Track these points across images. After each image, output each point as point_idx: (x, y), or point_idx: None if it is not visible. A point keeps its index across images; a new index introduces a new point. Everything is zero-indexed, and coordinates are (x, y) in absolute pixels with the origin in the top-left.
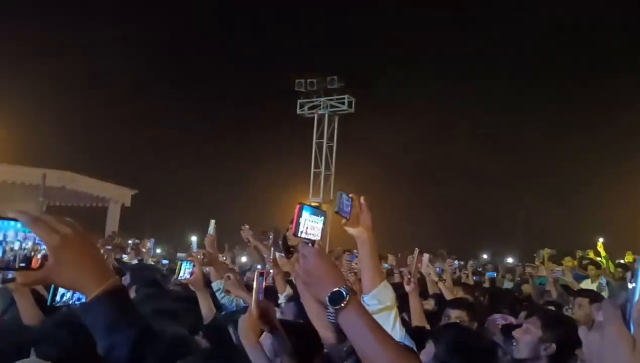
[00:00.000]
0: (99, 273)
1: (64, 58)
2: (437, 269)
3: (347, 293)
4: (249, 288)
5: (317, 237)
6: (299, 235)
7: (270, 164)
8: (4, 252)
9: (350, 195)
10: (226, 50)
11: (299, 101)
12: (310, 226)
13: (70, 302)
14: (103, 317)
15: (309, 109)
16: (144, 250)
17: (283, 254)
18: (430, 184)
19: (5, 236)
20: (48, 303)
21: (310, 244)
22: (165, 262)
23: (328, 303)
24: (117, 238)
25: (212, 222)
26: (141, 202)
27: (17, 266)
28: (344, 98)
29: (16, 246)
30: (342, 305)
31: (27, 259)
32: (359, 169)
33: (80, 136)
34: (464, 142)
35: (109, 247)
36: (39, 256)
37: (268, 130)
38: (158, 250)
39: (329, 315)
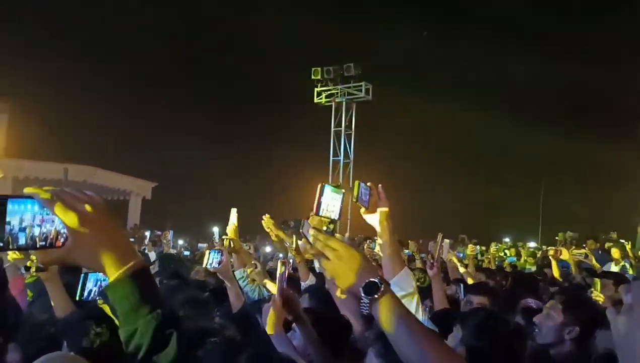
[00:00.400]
0: (121, 253)
1: (84, 53)
2: (459, 255)
3: (381, 284)
4: (272, 277)
5: (337, 216)
6: (321, 213)
7: (289, 153)
8: (26, 238)
9: (368, 184)
10: (242, 40)
11: (316, 89)
12: (331, 204)
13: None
14: (125, 301)
15: (327, 97)
16: (164, 241)
17: (308, 240)
18: (450, 169)
19: (22, 220)
20: (77, 298)
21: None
22: (186, 253)
23: (363, 294)
24: (140, 231)
25: (234, 210)
26: (162, 194)
27: (37, 246)
28: (360, 85)
29: (36, 231)
30: (377, 295)
31: (48, 240)
32: (378, 156)
33: (100, 130)
34: (484, 125)
35: (132, 239)
36: (62, 240)
37: (286, 119)
38: (180, 242)
39: (363, 306)
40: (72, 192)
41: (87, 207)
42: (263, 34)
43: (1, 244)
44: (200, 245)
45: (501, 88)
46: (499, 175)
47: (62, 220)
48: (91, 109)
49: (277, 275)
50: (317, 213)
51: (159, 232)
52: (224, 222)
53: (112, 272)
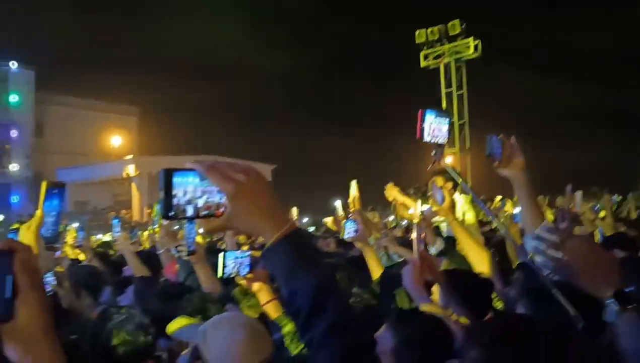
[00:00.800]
0: (276, 218)
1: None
2: (594, 208)
3: None
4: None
5: (444, 140)
6: (426, 139)
7: (401, 122)
8: (193, 209)
9: (500, 136)
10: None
11: (422, 53)
12: (437, 128)
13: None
14: (283, 263)
15: (434, 59)
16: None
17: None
18: (576, 124)
19: (185, 192)
20: (218, 276)
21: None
22: (311, 229)
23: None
24: None
25: (354, 182)
26: (281, 175)
27: (200, 215)
28: (468, 42)
29: (200, 202)
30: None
31: (210, 210)
32: (493, 114)
33: (219, 122)
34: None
35: None
36: (222, 209)
37: (396, 87)
38: (305, 219)
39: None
40: (228, 164)
41: (242, 176)
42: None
43: (172, 213)
44: (324, 219)
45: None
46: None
47: (221, 189)
48: (208, 104)
49: (414, 237)
50: (420, 138)
51: None
52: (345, 196)
53: (270, 236)
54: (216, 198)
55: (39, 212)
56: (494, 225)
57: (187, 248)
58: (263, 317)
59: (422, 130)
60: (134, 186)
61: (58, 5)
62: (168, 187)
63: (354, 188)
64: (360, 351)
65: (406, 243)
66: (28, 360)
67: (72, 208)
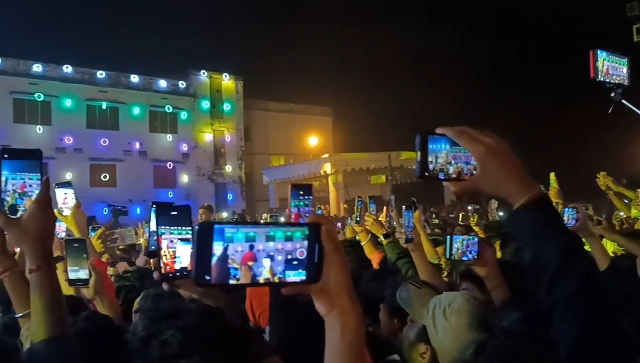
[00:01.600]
0: (524, 182)
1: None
2: None
3: None
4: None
5: (624, 80)
6: (599, 78)
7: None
8: (445, 174)
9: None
10: None
11: (634, 27)
12: (611, 67)
13: None
14: (531, 224)
15: None
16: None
17: None
18: None
19: (437, 157)
20: (447, 256)
21: None
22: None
23: None
24: (460, 205)
25: (552, 175)
26: None
27: (449, 178)
28: None
29: (451, 169)
30: None
31: (460, 175)
32: None
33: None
34: None
35: (452, 216)
36: (467, 174)
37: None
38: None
39: None
40: (477, 129)
41: (490, 140)
42: None
43: (427, 174)
44: None
45: None
46: None
47: (471, 151)
48: (399, 101)
49: None
50: (594, 77)
51: (476, 207)
52: (545, 188)
53: (517, 197)
54: (464, 164)
55: None
56: None
57: (405, 236)
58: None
59: (595, 69)
60: (330, 183)
61: (256, 20)
62: (424, 148)
63: (552, 181)
64: (611, 313)
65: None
66: (333, 312)
67: (276, 205)
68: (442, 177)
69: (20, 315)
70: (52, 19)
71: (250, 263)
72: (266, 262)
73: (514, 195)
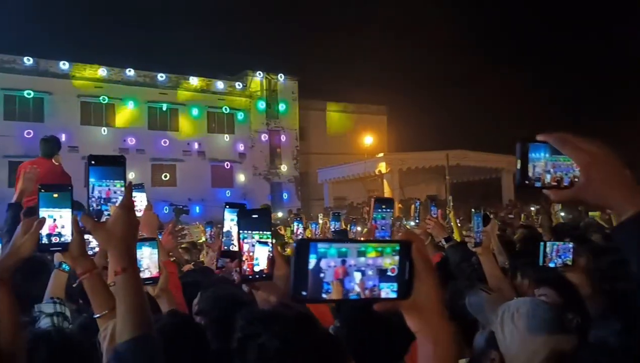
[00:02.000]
0: (632, 192)
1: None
2: None
3: None
4: None
5: None
6: None
7: None
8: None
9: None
10: None
11: None
12: None
13: None
14: (637, 237)
15: None
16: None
17: None
18: None
19: (535, 166)
20: (540, 263)
21: None
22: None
23: None
24: (517, 206)
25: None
26: None
27: (547, 186)
28: None
29: (548, 177)
30: None
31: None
32: None
33: (468, 117)
34: None
35: (511, 216)
36: (567, 184)
37: None
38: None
39: None
40: (580, 137)
41: (595, 148)
42: None
43: (527, 182)
44: None
45: None
46: None
47: (574, 159)
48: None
49: None
50: None
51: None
52: None
53: (624, 210)
54: (563, 172)
55: None
56: None
57: (475, 240)
58: None
59: None
60: (385, 182)
61: (311, 22)
62: (524, 156)
63: None
64: None
65: None
66: (425, 330)
67: (330, 204)
68: (539, 185)
69: (98, 315)
70: (114, 24)
71: (341, 277)
72: (357, 276)
73: (622, 206)
